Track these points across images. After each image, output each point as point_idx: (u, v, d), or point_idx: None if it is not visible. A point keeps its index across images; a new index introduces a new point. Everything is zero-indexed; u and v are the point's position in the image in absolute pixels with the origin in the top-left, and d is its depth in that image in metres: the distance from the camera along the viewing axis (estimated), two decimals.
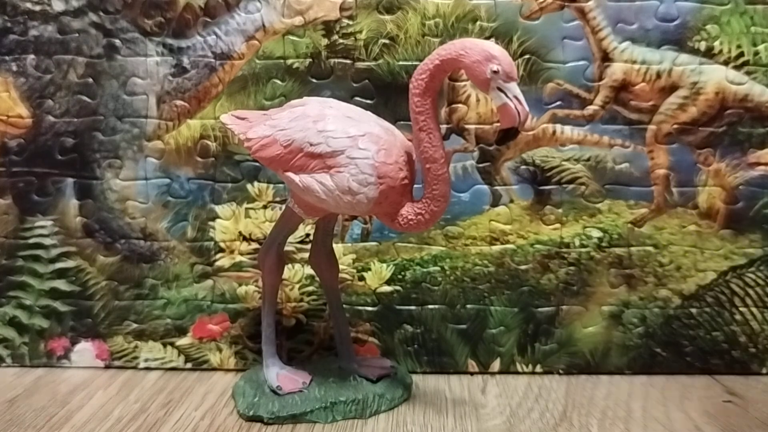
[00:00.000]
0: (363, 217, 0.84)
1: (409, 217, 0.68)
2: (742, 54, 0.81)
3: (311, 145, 0.67)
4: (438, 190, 0.66)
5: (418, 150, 0.66)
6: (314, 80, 0.82)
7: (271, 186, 0.83)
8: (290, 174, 0.68)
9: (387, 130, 0.68)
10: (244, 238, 0.84)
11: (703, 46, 0.81)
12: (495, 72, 0.62)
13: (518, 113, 0.63)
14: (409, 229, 0.68)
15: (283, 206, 0.74)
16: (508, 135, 0.65)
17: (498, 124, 0.71)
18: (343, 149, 0.66)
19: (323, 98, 0.74)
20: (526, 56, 0.81)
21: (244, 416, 0.71)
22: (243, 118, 0.73)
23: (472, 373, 0.83)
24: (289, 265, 0.84)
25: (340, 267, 0.83)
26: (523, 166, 0.82)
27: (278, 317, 0.84)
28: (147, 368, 0.85)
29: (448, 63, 0.65)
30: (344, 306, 0.83)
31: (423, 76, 0.65)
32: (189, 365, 0.85)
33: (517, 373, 0.83)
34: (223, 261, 0.84)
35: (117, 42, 0.82)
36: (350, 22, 0.81)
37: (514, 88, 0.63)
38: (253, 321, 0.84)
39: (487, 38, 0.80)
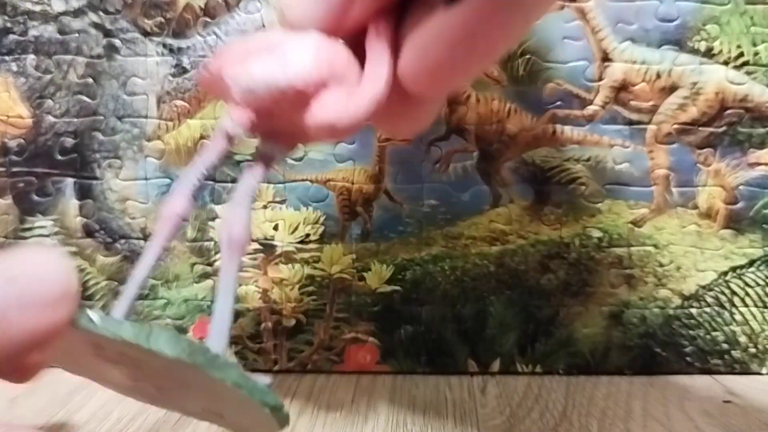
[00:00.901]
0: (362, 215, 0.82)
1: (333, 100, 0.54)
2: (742, 54, 0.81)
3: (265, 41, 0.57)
4: (377, 67, 0.53)
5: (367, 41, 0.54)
6: None
7: (271, 186, 0.83)
8: (232, 69, 0.57)
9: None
10: None
11: (703, 46, 0.80)
12: None
13: None
14: (332, 128, 0.54)
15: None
16: None
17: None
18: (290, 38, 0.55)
19: None
20: (526, 56, 0.81)
21: None
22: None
23: (472, 373, 0.83)
24: (289, 265, 0.83)
25: (340, 267, 0.83)
26: (523, 166, 0.82)
27: (278, 317, 0.84)
28: None
29: None
30: (344, 306, 0.83)
31: None
32: None
33: (517, 373, 0.83)
34: None
35: (117, 42, 0.82)
36: None
37: None
38: (253, 321, 0.84)
39: None
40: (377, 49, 0.54)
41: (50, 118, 0.83)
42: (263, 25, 0.81)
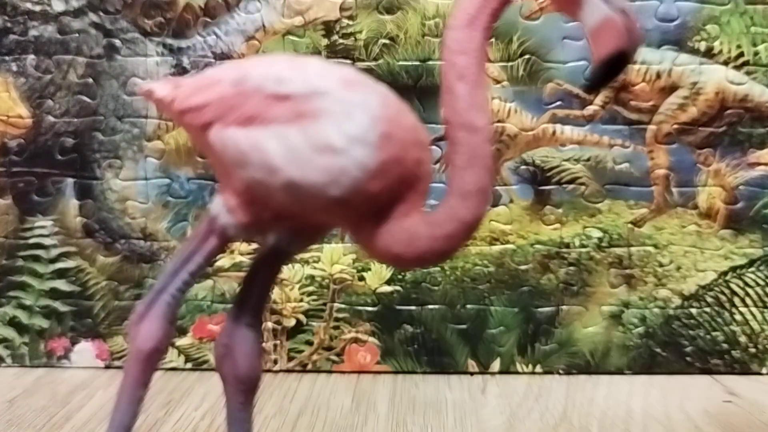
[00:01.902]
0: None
1: (418, 233, 0.41)
2: (742, 54, 0.81)
3: (278, 81, 0.42)
4: (473, 178, 0.41)
5: (450, 113, 0.42)
6: None
7: None
8: (230, 129, 0.43)
9: (394, 96, 0.44)
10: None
11: (703, 46, 0.80)
12: None
13: (628, 30, 0.40)
14: (411, 258, 0.42)
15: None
16: (614, 65, 0.41)
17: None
18: (329, 90, 0.41)
19: None
20: (526, 56, 0.81)
21: None
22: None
23: (472, 373, 0.83)
24: (289, 265, 0.83)
25: (340, 267, 0.83)
26: (523, 166, 0.82)
27: (278, 317, 0.84)
28: None
29: None
30: (344, 306, 0.83)
31: (473, 2, 0.43)
32: (189, 365, 0.85)
33: (517, 373, 0.83)
34: (223, 261, 0.83)
35: (117, 42, 0.82)
36: (350, 22, 0.81)
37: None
38: None
39: None
40: (474, 139, 0.41)
41: (50, 118, 0.83)
42: (263, 26, 0.81)
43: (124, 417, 0.46)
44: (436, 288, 0.83)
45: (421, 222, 0.42)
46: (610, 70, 0.41)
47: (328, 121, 0.40)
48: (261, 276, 0.48)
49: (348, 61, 0.81)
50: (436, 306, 0.83)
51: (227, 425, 0.48)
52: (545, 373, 0.83)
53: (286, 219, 0.44)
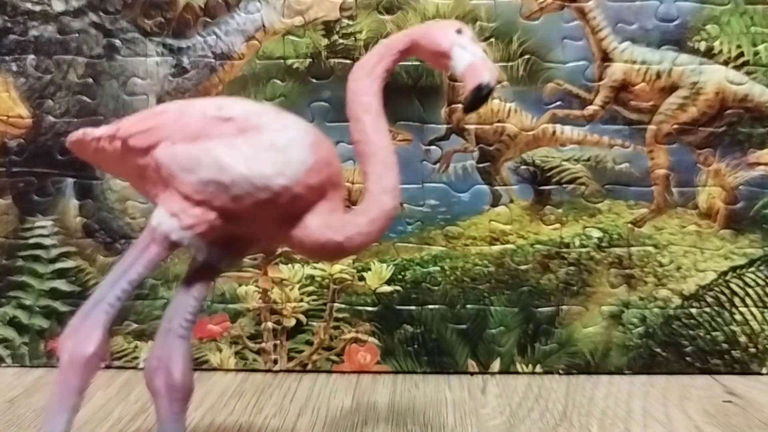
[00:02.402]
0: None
1: (348, 219, 0.49)
2: (742, 54, 0.81)
3: (219, 107, 0.49)
4: (389, 180, 0.50)
5: (359, 135, 0.51)
6: (314, 80, 0.81)
7: None
8: (176, 146, 0.48)
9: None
10: None
11: (703, 46, 0.80)
12: (458, 31, 0.52)
13: (487, 69, 0.51)
14: (344, 241, 0.49)
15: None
16: (478, 95, 0.51)
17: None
18: (266, 112, 0.49)
19: None
20: (526, 56, 0.81)
21: None
22: None
23: (472, 373, 0.83)
24: (289, 265, 0.83)
25: (340, 267, 0.83)
26: (523, 166, 0.82)
27: (278, 317, 0.84)
28: None
29: (403, 44, 0.53)
30: (344, 306, 0.83)
31: (369, 59, 0.53)
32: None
33: (517, 373, 0.83)
34: None
35: (117, 42, 0.82)
36: (350, 23, 0.81)
37: (478, 48, 0.52)
38: (253, 321, 0.84)
39: (487, 38, 0.80)
40: (382, 153, 0.50)
41: (50, 118, 0.83)
42: (263, 26, 0.81)
43: (60, 428, 0.45)
44: (436, 288, 0.83)
45: (348, 214, 0.50)
46: (478, 97, 0.51)
47: (268, 131, 0.48)
48: (192, 290, 0.50)
49: (348, 61, 0.81)
50: (436, 306, 0.83)
51: None
52: (545, 373, 0.83)
53: (227, 221, 0.47)
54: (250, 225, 0.49)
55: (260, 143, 0.47)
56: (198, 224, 0.47)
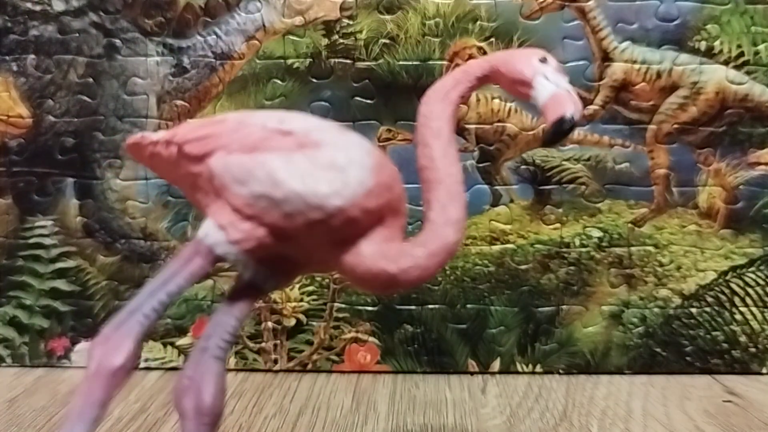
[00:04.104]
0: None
1: (405, 250, 0.46)
2: (742, 54, 0.80)
3: (280, 120, 0.47)
4: (454, 211, 0.47)
5: (425, 160, 0.49)
6: (314, 80, 0.81)
7: None
8: (231, 155, 0.46)
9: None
10: None
11: (703, 45, 0.80)
12: (543, 60, 0.49)
13: (572, 102, 0.48)
14: (397, 277, 0.46)
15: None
16: (560, 127, 0.47)
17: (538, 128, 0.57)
18: (328, 128, 0.47)
19: None
20: None
21: None
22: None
23: (472, 373, 0.83)
24: None
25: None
26: (523, 166, 0.82)
27: (278, 317, 0.84)
28: (147, 368, 0.84)
29: (481, 72, 0.51)
30: (344, 306, 0.83)
31: (445, 84, 0.51)
32: None
33: (517, 373, 0.83)
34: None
35: (117, 42, 0.82)
36: (350, 22, 0.81)
37: (563, 79, 0.49)
38: (253, 321, 0.84)
39: (487, 38, 0.80)
40: (449, 180, 0.48)
41: (50, 118, 0.83)
42: (263, 26, 0.81)
43: None
44: (436, 288, 0.83)
45: (406, 244, 0.46)
46: (560, 131, 0.47)
47: (328, 148, 0.45)
48: (234, 309, 0.48)
49: (348, 61, 0.81)
50: (436, 306, 0.83)
51: None
52: (545, 372, 0.83)
53: (277, 239, 0.45)
54: (300, 245, 0.46)
55: (319, 160, 0.44)
56: (246, 240, 0.45)
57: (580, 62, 0.81)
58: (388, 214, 0.46)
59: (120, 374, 0.43)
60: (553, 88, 0.48)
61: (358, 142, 0.46)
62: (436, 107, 0.49)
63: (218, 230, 0.45)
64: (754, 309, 0.83)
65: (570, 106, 0.47)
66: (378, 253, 0.45)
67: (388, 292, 0.48)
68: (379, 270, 0.45)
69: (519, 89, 0.50)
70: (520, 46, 0.80)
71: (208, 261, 0.45)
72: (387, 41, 0.81)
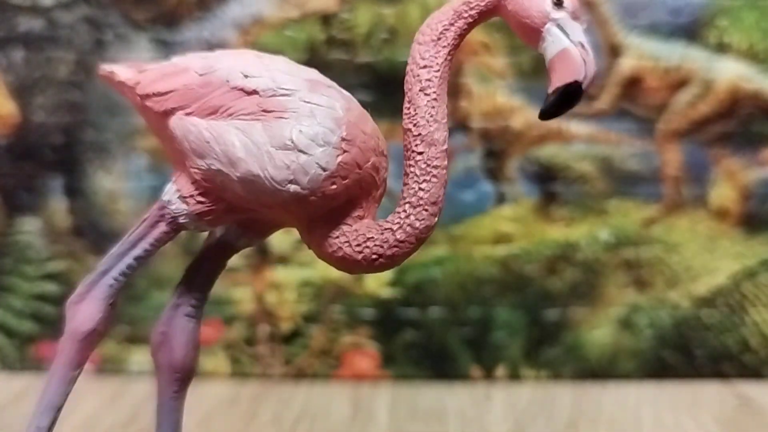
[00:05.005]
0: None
1: (372, 235, 0.44)
2: (754, 49, 0.80)
3: (246, 76, 0.44)
4: (428, 191, 0.43)
5: (410, 124, 0.44)
6: None
7: None
8: (192, 118, 0.45)
9: (356, 101, 0.47)
10: None
11: (714, 41, 0.80)
12: (558, 2, 0.43)
13: (585, 62, 0.42)
14: (366, 260, 0.44)
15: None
16: (567, 96, 0.42)
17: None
18: (296, 89, 0.44)
19: None
20: (531, 51, 0.79)
21: None
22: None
23: (476, 379, 0.82)
24: (285, 268, 0.83)
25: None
26: (529, 164, 0.82)
27: (274, 321, 0.83)
28: (139, 373, 0.83)
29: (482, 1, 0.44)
30: (342, 310, 0.82)
31: (441, 18, 0.45)
32: None
33: (523, 378, 0.82)
34: None
35: (108, 37, 0.82)
36: (349, 15, 0.80)
37: (578, 30, 0.43)
38: (248, 325, 0.83)
39: (491, 32, 0.79)
40: (430, 152, 0.43)
41: (39, 115, 0.83)
42: (259, 19, 0.80)
43: (55, 397, 0.46)
44: (438, 291, 0.82)
45: (373, 226, 0.44)
46: (564, 99, 0.43)
47: (291, 119, 0.43)
48: (205, 267, 0.50)
49: (347, 56, 0.80)
50: (439, 309, 0.82)
51: (157, 413, 0.50)
52: (551, 378, 0.82)
53: (240, 212, 0.46)
54: (265, 215, 0.46)
55: (279, 135, 0.42)
56: (207, 213, 0.45)
57: None
58: (358, 191, 0.44)
59: (92, 338, 0.46)
60: (565, 42, 0.43)
61: (329, 108, 0.43)
62: (428, 49, 0.44)
63: (180, 200, 0.45)
64: (765, 312, 0.82)
65: (580, 68, 0.42)
66: (341, 237, 0.44)
67: (355, 273, 0.47)
68: (341, 255, 0.45)
69: (527, 35, 0.45)
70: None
71: (173, 228, 0.46)
72: (387, 35, 0.80)
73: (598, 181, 0.81)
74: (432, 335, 0.82)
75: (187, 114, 0.45)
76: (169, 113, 0.45)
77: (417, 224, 0.43)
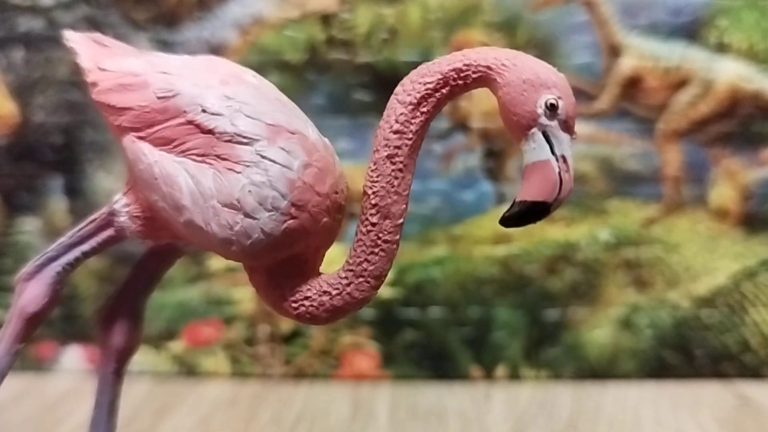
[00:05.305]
0: None
1: (310, 294, 0.43)
2: (754, 49, 0.80)
3: (204, 111, 0.42)
4: (374, 264, 0.42)
5: (369, 190, 0.42)
6: (312, 76, 0.80)
7: None
8: (144, 145, 0.43)
9: (325, 144, 0.44)
10: None
11: (714, 40, 0.80)
12: (551, 107, 0.40)
13: (560, 182, 0.40)
14: (300, 317, 0.44)
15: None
16: (532, 212, 0.41)
17: None
18: (255, 138, 0.41)
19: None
20: (532, 50, 0.79)
21: None
22: (105, 45, 0.48)
23: (475, 379, 0.82)
24: None
25: (337, 268, 0.82)
26: None
27: (273, 321, 0.83)
28: (139, 373, 0.82)
29: (473, 71, 0.41)
30: None
31: (427, 80, 0.42)
32: (182, 370, 0.84)
33: (522, 378, 0.82)
34: (217, 264, 0.82)
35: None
36: (349, 16, 0.80)
37: (565, 142, 0.41)
38: (248, 325, 0.83)
39: (491, 32, 0.79)
40: (385, 224, 0.42)
41: (39, 115, 0.82)
42: (258, 19, 0.80)
43: (0, 364, 0.49)
44: (438, 291, 0.82)
45: (313, 285, 0.43)
46: (529, 214, 0.41)
47: (242, 174, 0.41)
48: (150, 267, 0.51)
49: (347, 56, 0.80)
50: (439, 309, 0.82)
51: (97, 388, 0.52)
52: (551, 378, 0.82)
53: (182, 241, 0.46)
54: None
55: (227, 191, 0.41)
56: (153, 236, 0.46)
57: (588, 57, 0.80)
58: (303, 250, 0.43)
59: (36, 320, 0.47)
60: (546, 153, 0.40)
61: (284, 167, 0.41)
62: (405, 114, 0.42)
63: (128, 217, 0.45)
64: (765, 312, 0.82)
65: (553, 189, 0.40)
66: (278, 289, 0.43)
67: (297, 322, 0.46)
68: (278, 306, 0.44)
69: (510, 126, 0.42)
70: (525, 40, 0.79)
71: (119, 236, 0.46)
72: (387, 35, 0.80)
73: (598, 181, 0.81)
74: (432, 335, 0.82)
75: (140, 138, 0.43)
76: (121, 129, 0.44)
77: (356, 294, 0.42)
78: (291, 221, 0.41)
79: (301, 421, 0.72)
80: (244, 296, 0.83)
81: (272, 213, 0.41)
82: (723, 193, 0.81)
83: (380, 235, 0.42)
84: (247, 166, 0.41)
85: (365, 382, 0.82)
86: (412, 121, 0.42)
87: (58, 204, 0.83)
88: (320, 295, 0.43)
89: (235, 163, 0.41)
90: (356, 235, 0.42)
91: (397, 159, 0.42)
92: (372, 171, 0.42)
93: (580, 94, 0.80)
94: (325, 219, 0.42)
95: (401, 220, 0.42)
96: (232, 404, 0.76)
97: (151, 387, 0.80)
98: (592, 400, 0.77)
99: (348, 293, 0.42)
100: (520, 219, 0.41)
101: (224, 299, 0.83)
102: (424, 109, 0.42)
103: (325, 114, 0.80)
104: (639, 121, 0.81)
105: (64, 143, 0.83)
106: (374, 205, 0.41)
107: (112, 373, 0.52)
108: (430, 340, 0.82)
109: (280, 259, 0.43)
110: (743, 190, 0.81)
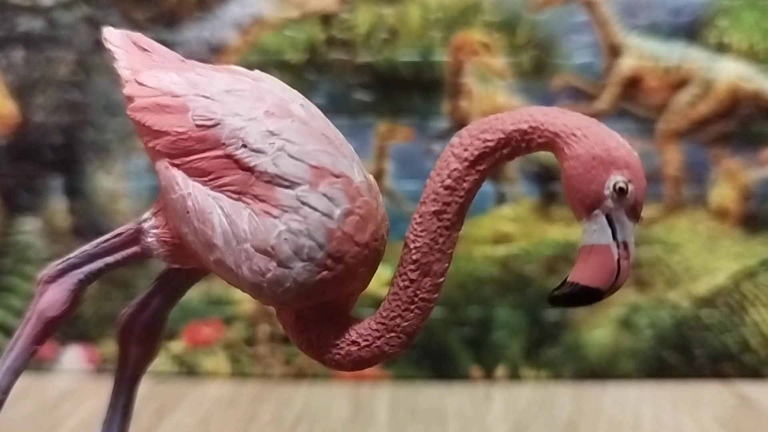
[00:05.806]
0: None
1: (338, 342, 0.41)
2: (754, 49, 0.80)
3: (245, 146, 0.39)
4: (408, 320, 0.40)
5: (411, 243, 0.40)
6: (312, 75, 0.80)
7: None
8: (179, 174, 0.41)
9: (370, 185, 0.42)
10: None
11: (714, 40, 0.80)
12: (620, 191, 0.37)
13: (618, 269, 0.38)
14: (325, 363, 0.42)
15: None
16: (583, 296, 0.38)
17: None
18: (297, 181, 0.39)
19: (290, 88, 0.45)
20: (532, 51, 0.80)
21: None
22: (145, 50, 0.46)
23: (475, 379, 0.82)
24: None
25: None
26: (529, 164, 0.81)
27: (273, 321, 0.82)
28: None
29: (539, 135, 0.38)
30: None
31: (487, 137, 0.39)
32: (182, 370, 0.84)
33: (523, 378, 0.82)
34: None
35: None
36: (349, 16, 0.80)
37: (629, 229, 0.38)
38: (248, 324, 0.83)
39: (491, 32, 0.79)
40: (422, 283, 0.40)
41: (39, 115, 0.82)
42: (259, 19, 0.80)
43: (16, 363, 0.48)
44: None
45: (342, 333, 0.41)
46: (580, 297, 0.38)
47: (279, 220, 0.39)
48: (175, 281, 0.49)
49: (347, 56, 0.80)
50: (439, 309, 0.82)
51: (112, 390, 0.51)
52: (551, 378, 0.82)
53: (210, 271, 0.44)
54: None
55: (262, 236, 0.38)
56: (180, 261, 0.44)
57: (588, 57, 0.80)
58: (338, 299, 0.41)
59: (55, 323, 0.47)
60: (608, 238, 0.38)
61: (324, 215, 0.38)
62: (459, 170, 0.39)
63: (156, 240, 0.44)
64: (765, 312, 0.82)
65: (610, 276, 0.37)
66: (305, 333, 0.42)
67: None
68: (303, 347, 0.42)
69: (572, 201, 0.39)
70: (525, 40, 0.79)
71: (145, 255, 0.45)
72: (387, 35, 0.80)
73: None
74: (432, 335, 0.82)
75: (174, 165, 0.41)
76: (155, 153, 0.42)
77: (386, 349, 0.41)
78: (326, 272, 0.39)
79: (301, 421, 0.72)
80: (244, 296, 0.81)
81: (307, 264, 0.39)
82: (723, 193, 0.81)
83: (418, 292, 0.40)
84: (285, 211, 0.38)
85: (365, 382, 0.82)
86: (466, 178, 0.39)
87: (58, 204, 0.83)
88: (348, 345, 0.41)
89: (273, 206, 0.38)
90: (392, 286, 0.40)
91: (444, 216, 0.39)
92: (416, 224, 0.40)
93: (580, 94, 0.80)
94: (361, 269, 0.40)
95: (442, 279, 0.40)
96: (232, 404, 0.76)
97: (151, 387, 0.79)
98: (592, 400, 0.77)
99: (377, 346, 0.41)
100: (570, 301, 0.39)
101: (224, 299, 0.83)
102: (480, 168, 0.39)
103: (325, 114, 0.79)
104: (639, 121, 0.80)
105: (64, 143, 0.83)
106: (415, 261, 0.39)
107: (129, 378, 0.51)
108: (430, 340, 0.82)
109: (310, 309, 0.41)
110: (743, 190, 0.81)
